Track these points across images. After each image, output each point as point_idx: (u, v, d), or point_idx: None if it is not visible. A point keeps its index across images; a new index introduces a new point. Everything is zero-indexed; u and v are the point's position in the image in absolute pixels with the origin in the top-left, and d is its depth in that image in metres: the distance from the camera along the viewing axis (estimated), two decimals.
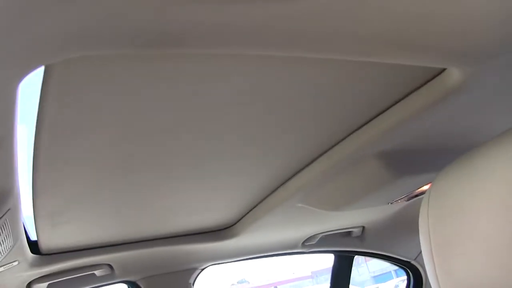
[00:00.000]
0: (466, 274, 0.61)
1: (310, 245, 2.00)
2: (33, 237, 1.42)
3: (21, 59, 0.55)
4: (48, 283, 1.49)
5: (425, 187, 1.50)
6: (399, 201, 1.62)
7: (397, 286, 13.08)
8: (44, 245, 1.40)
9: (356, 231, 2.03)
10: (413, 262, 2.35)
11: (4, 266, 1.26)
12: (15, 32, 0.50)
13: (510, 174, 0.58)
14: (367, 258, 2.32)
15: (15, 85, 0.59)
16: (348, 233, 2.04)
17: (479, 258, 0.59)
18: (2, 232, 0.99)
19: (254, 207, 1.48)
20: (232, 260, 1.94)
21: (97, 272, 1.57)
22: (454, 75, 0.85)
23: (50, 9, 0.48)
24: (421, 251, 0.75)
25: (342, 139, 1.12)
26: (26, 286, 1.46)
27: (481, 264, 0.59)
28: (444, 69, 0.88)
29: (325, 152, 1.17)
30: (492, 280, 0.57)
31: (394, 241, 2.19)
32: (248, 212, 1.53)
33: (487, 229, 0.58)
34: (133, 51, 0.59)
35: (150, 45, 0.59)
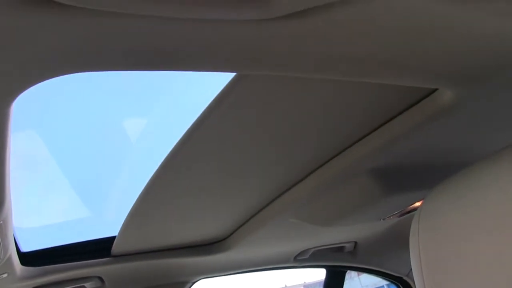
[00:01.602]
0: None
1: (302, 259, 1.99)
2: (24, 248, 1.41)
3: (13, 79, 0.56)
4: None
5: (417, 204, 1.50)
6: (391, 217, 1.62)
7: None
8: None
9: (349, 246, 2.02)
10: (405, 278, 2.35)
11: None
12: (7, 53, 0.51)
13: (501, 194, 0.58)
14: (360, 272, 2.31)
15: (8, 103, 0.60)
16: (341, 248, 2.04)
17: (469, 278, 0.59)
18: None
19: (247, 221, 1.48)
20: (224, 274, 1.93)
21: (87, 285, 1.55)
22: (445, 95, 0.87)
23: (43, 30, 0.48)
24: None
25: (335, 155, 1.13)
26: None
27: (471, 284, 0.59)
28: (436, 89, 0.89)
29: (318, 167, 1.18)
30: None
31: (386, 257, 2.19)
32: (240, 226, 1.53)
33: (477, 249, 0.58)
34: (124, 70, 0.60)
35: (142, 65, 0.59)
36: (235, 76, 0.77)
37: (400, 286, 2.42)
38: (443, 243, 0.65)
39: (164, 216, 1.31)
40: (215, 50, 0.60)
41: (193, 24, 0.53)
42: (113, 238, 1.54)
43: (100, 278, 1.56)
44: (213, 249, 1.64)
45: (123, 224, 1.33)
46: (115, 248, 1.48)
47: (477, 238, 0.59)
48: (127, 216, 1.27)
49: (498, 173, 0.60)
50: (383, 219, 1.64)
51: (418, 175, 1.27)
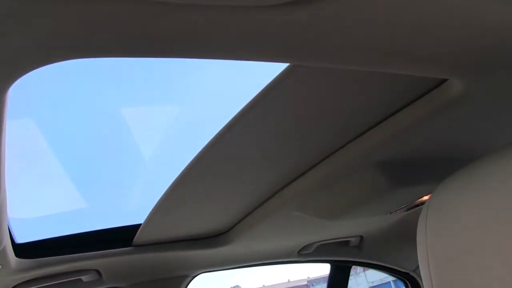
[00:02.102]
0: None
1: (306, 254, 1.98)
2: (19, 240, 1.39)
3: (9, 65, 0.56)
4: (33, 287, 1.45)
5: (425, 198, 1.50)
6: (398, 211, 1.61)
7: None
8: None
9: (354, 240, 2.01)
10: (412, 273, 2.33)
11: None
12: (2, 39, 0.51)
13: (510, 187, 0.57)
14: (366, 267, 2.31)
15: (3, 90, 0.60)
16: (346, 243, 2.02)
17: (478, 275, 0.58)
18: None
19: (249, 214, 1.46)
20: (225, 268, 1.91)
21: (84, 278, 1.53)
22: (455, 86, 0.85)
23: (39, 15, 0.49)
24: None
25: (341, 147, 1.11)
26: None
27: (479, 280, 0.58)
28: (445, 80, 0.88)
29: (323, 159, 1.16)
30: None
31: (392, 252, 2.18)
32: (242, 219, 1.51)
33: (486, 244, 0.58)
34: (120, 57, 0.59)
35: (139, 52, 0.59)
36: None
37: (407, 282, 2.41)
38: (451, 239, 0.64)
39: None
40: (217, 37, 0.59)
41: (194, 10, 0.52)
42: (110, 230, 1.53)
43: (97, 271, 1.54)
44: (214, 243, 1.62)
45: (150, 214, 1.34)
46: (137, 239, 1.49)
47: (486, 235, 0.58)
48: (154, 208, 1.29)
49: (507, 168, 0.59)
50: (389, 213, 1.62)
51: (426, 168, 1.25)
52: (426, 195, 1.45)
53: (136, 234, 1.47)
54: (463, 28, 0.65)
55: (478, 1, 0.58)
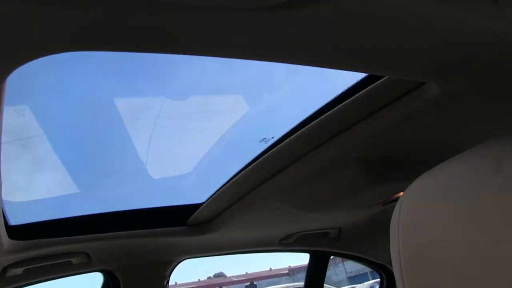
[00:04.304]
0: (433, 286, 0.62)
1: (287, 243, 2.03)
2: (12, 222, 1.42)
3: (8, 55, 0.56)
4: (24, 268, 1.48)
5: (401, 194, 1.53)
6: (375, 205, 1.66)
7: (372, 287, 13.23)
8: None
9: (333, 232, 2.06)
10: (387, 265, 2.39)
11: None
12: (2, 30, 0.52)
13: (478, 189, 0.58)
14: (344, 258, 2.35)
15: (1, 80, 0.61)
16: (325, 234, 2.07)
17: (445, 270, 0.60)
18: None
19: (234, 203, 1.50)
20: (210, 254, 1.96)
21: (74, 260, 1.57)
22: (432, 89, 0.89)
23: (40, 8, 0.49)
24: None
25: (322, 144, 1.15)
26: (2, 271, 1.45)
27: (447, 276, 0.60)
28: (422, 83, 0.91)
29: (306, 154, 1.20)
30: None
31: (369, 244, 2.23)
32: (227, 208, 1.54)
33: (455, 242, 0.59)
34: (119, 51, 0.61)
35: (138, 46, 0.60)
36: None
37: (382, 273, 2.47)
38: (422, 235, 0.65)
39: None
40: (215, 36, 0.61)
41: (193, 10, 0.54)
42: (100, 214, 1.56)
43: (87, 254, 1.57)
44: (200, 230, 1.66)
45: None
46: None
47: (454, 231, 0.59)
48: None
49: (476, 168, 0.60)
50: (367, 207, 1.67)
51: (403, 165, 1.29)
52: (402, 191, 1.49)
53: (125, 219, 1.52)
54: (439, 36, 0.68)
55: (451, 12, 0.61)
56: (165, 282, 1.81)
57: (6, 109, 0.75)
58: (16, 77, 0.65)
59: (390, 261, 2.36)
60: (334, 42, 0.67)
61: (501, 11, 0.60)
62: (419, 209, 0.68)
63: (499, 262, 0.53)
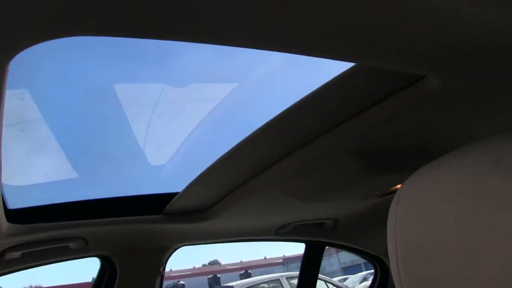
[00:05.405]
0: (429, 280, 0.63)
1: (283, 233, 2.04)
2: (10, 206, 1.42)
3: (11, 39, 0.56)
4: (21, 252, 1.48)
5: (398, 186, 1.54)
6: (372, 197, 1.67)
7: (366, 278, 13.37)
8: None
9: (329, 223, 2.07)
10: (381, 256, 2.42)
11: None
12: (6, 13, 0.52)
13: (474, 185, 0.59)
14: (338, 249, 2.37)
15: (5, 63, 0.61)
16: (321, 224, 2.09)
17: (442, 264, 0.60)
18: None
19: (231, 192, 1.51)
20: (206, 242, 1.97)
21: (71, 245, 1.57)
22: (432, 82, 0.89)
23: None
24: None
25: (320, 135, 1.15)
26: (0, 254, 1.46)
27: (443, 271, 0.60)
28: (423, 76, 0.91)
29: (302, 146, 1.21)
30: (454, 286, 0.59)
31: (364, 235, 2.25)
32: (225, 196, 1.55)
33: (452, 235, 0.59)
34: (123, 36, 0.60)
35: (138, 31, 0.61)
36: None
37: (376, 265, 2.50)
38: (419, 228, 0.66)
39: None
40: (214, 21, 0.61)
41: None
42: (98, 200, 1.57)
43: (84, 239, 1.58)
44: (196, 217, 1.66)
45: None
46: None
47: (451, 225, 0.60)
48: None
49: (474, 164, 0.61)
50: (364, 199, 1.68)
51: (401, 158, 1.30)
52: (399, 183, 1.48)
53: (123, 205, 1.52)
54: (439, 29, 0.69)
55: (450, 3, 0.61)
56: (162, 268, 1.83)
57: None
58: (15, 61, 0.64)
59: (386, 252, 2.41)
60: (330, 31, 0.67)
61: (505, 5, 0.60)
62: (417, 203, 0.69)
63: (495, 257, 0.54)
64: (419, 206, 0.68)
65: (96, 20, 0.57)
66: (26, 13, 0.53)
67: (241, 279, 14.07)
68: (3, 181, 1.15)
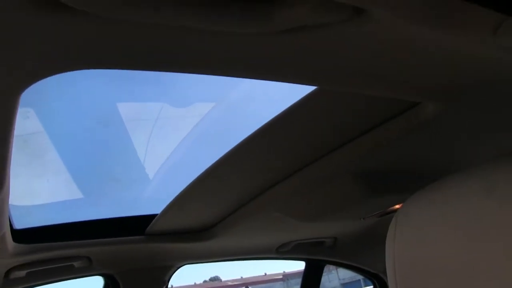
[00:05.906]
0: None
1: (284, 251, 2.06)
2: (17, 226, 1.45)
3: (24, 73, 0.60)
4: (27, 271, 1.50)
5: (397, 206, 1.55)
6: (371, 217, 1.68)
7: None
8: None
9: (329, 241, 2.09)
10: (381, 275, 2.42)
11: None
12: (19, 50, 0.55)
13: (472, 209, 0.61)
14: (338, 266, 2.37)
15: (17, 94, 0.64)
16: (321, 243, 2.11)
17: (438, 284, 0.62)
18: None
19: (234, 212, 1.53)
20: (208, 260, 1.99)
21: (76, 264, 1.59)
22: (428, 108, 0.92)
23: (52, 30, 0.53)
24: None
25: (320, 157, 1.18)
26: (5, 273, 1.47)
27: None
28: (419, 102, 0.94)
29: (304, 167, 1.23)
30: None
31: (363, 254, 2.26)
32: (227, 217, 1.57)
33: (448, 257, 0.61)
34: (124, 69, 0.64)
35: (142, 66, 0.64)
36: None
37: (375, 282, 2.49)
38: (417, 249, 0.67)
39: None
40: (215, 56, 0.64)
41: (192, 31, 0.56)
42: (103, 220, 1.60)
43: (88, 258, 1.60)
44: (199, 237, 1.69)
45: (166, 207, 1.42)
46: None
47: (449, 247, 0.62)
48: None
49: (470, 189, 0.63)
50: (363, 218, 1.70)
51: (399, 180, 1.32)
52: (398, 204, 1.51)
53: (126, 225, 1.55)
54: (437, 61, 0.72)
55: (445, 38, 0.64)
56: (164, 286, 1.84)
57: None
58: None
59: (385, 271, 2.40)
60: (331, 64, 0.70)
61: (499, 41, 0.63)
62: (415, 224, 0.71)
63: (490, 278, 0.56)
64: (416, 228, 0.70)
65: (102, 57, 0.60)
66: (39, 50, 0.56)
67: None
68: (11, 202, 1.18)
